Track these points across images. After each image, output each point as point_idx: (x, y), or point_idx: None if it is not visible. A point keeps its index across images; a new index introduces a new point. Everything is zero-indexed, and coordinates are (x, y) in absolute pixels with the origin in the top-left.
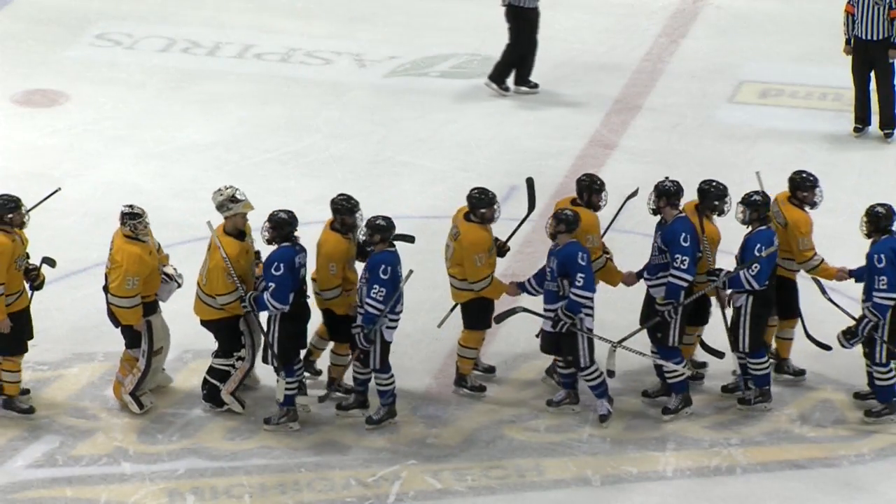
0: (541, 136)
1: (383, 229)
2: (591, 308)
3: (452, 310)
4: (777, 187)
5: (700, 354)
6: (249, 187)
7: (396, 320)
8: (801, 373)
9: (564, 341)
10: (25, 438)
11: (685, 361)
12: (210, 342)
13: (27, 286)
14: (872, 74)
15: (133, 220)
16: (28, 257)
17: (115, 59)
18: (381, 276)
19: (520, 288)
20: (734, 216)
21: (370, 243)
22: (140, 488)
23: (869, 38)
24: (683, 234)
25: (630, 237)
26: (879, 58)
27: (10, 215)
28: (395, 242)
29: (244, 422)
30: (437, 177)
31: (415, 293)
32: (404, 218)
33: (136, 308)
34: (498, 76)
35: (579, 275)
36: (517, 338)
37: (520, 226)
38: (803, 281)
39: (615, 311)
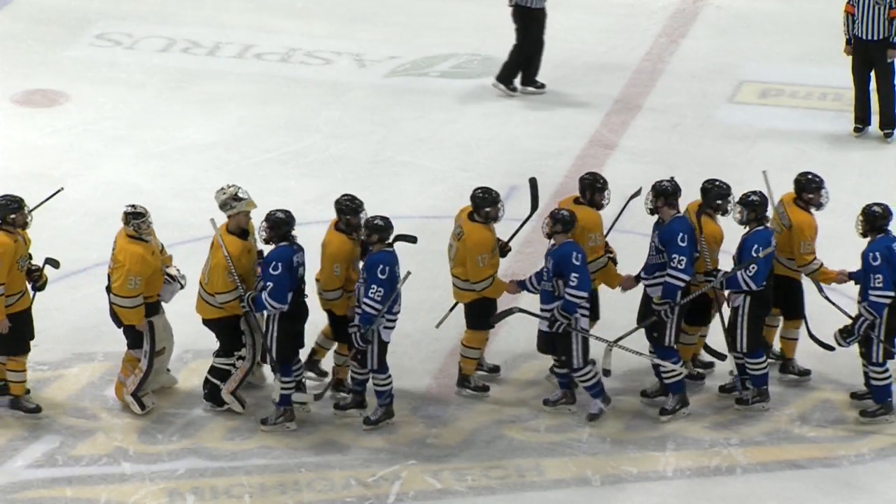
0: (541, 136)
1: (381, 229)
2: (587, 308)
3: (452, 310)
4: (777, 187)
5: (705, 355)
6: (249, 187)
7: (394, 321)
8: (807, 373)
9: (559, 341)
10: (25, 438)
11: (682, 361)
12: (211, 342)
13: (29, 287)
14: (872, 74)
15: (136, 220)
16: (31, 258)
17: (115, 59)
18: (379, 275)
19: (520, 286)
20: (731, 216)
21: (368, 243)
22: (140, 488)
23: (869, 38)
24: (681, 234)
25: (630, 237)
26: (879, 58)
27: (13, 216)
28: (395, 243)
29: (244, 422)
30: (437, 177)
31: (415, 293)
32: (404, 218)
33: (138, 308)
34: (505, 77)
35: (573, 274)
36: (517, 337)
37: (522, 226)
38: (807, 281)
39: (614, 311)
